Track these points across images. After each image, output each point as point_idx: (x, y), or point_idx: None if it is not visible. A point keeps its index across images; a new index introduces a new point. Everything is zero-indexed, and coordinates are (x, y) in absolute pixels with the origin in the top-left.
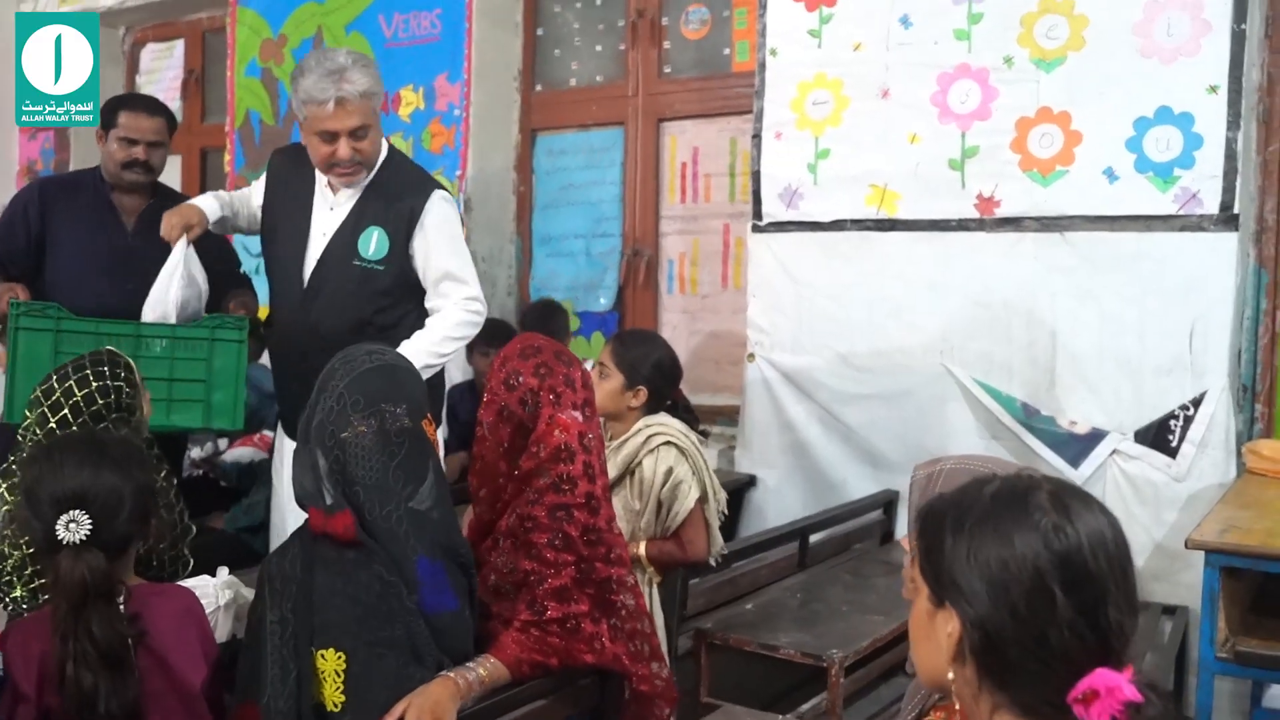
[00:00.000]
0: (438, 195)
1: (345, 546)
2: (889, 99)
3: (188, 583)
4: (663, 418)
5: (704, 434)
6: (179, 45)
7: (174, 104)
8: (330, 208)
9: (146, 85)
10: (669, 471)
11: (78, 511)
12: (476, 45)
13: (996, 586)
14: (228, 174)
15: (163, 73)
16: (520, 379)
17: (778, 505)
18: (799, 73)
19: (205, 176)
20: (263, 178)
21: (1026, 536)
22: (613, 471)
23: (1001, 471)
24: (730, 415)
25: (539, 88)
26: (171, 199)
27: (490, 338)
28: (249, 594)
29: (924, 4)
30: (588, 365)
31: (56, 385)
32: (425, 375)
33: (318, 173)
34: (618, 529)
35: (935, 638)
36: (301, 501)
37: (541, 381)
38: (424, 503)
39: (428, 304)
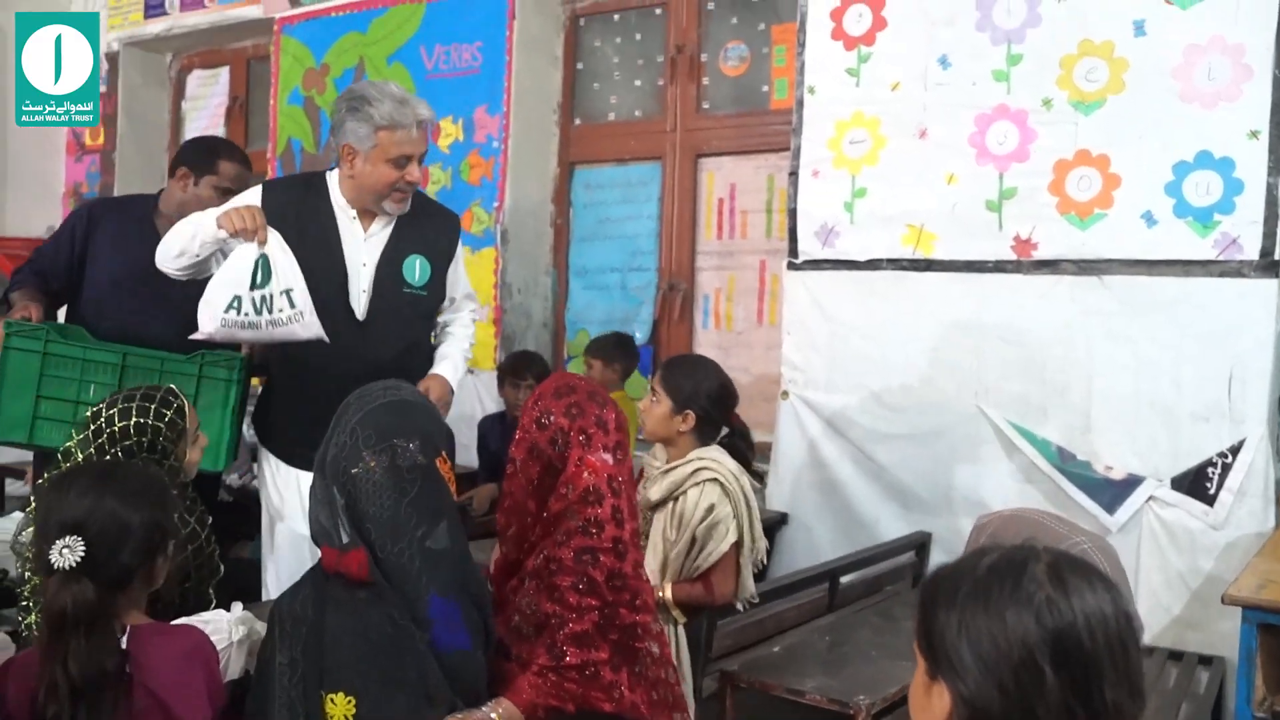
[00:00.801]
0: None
1: (357, 586)
2: (927, 139)
3: (203, 616)
4: (717, 453)
5: (758, 476)
6: (224, 72)
7: (217, 130)
8: (364, 238)
9: (191, 111)
10: (710, 509)
11: (73, 538)
12: (516, 77)
13: (986, 662)
14: None
15: (207, 99)
16: (551, 418)
17: (808, 543)
18: (837, 111)
19: None
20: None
21: (1018, 611)
22: (657, 494)
23: (1053, 528)
24: (763, 452)
25: (578, 121)
26: None
27: (521, 369)
28: (263, 629)
29: (963, 45)
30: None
31: (104, 411)
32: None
33: (338, 206)
34: (645, 574)
35: (931, 710)
36: (316, 539)
37: (572, 422)
38: (440, 542)
39: (441, 318)
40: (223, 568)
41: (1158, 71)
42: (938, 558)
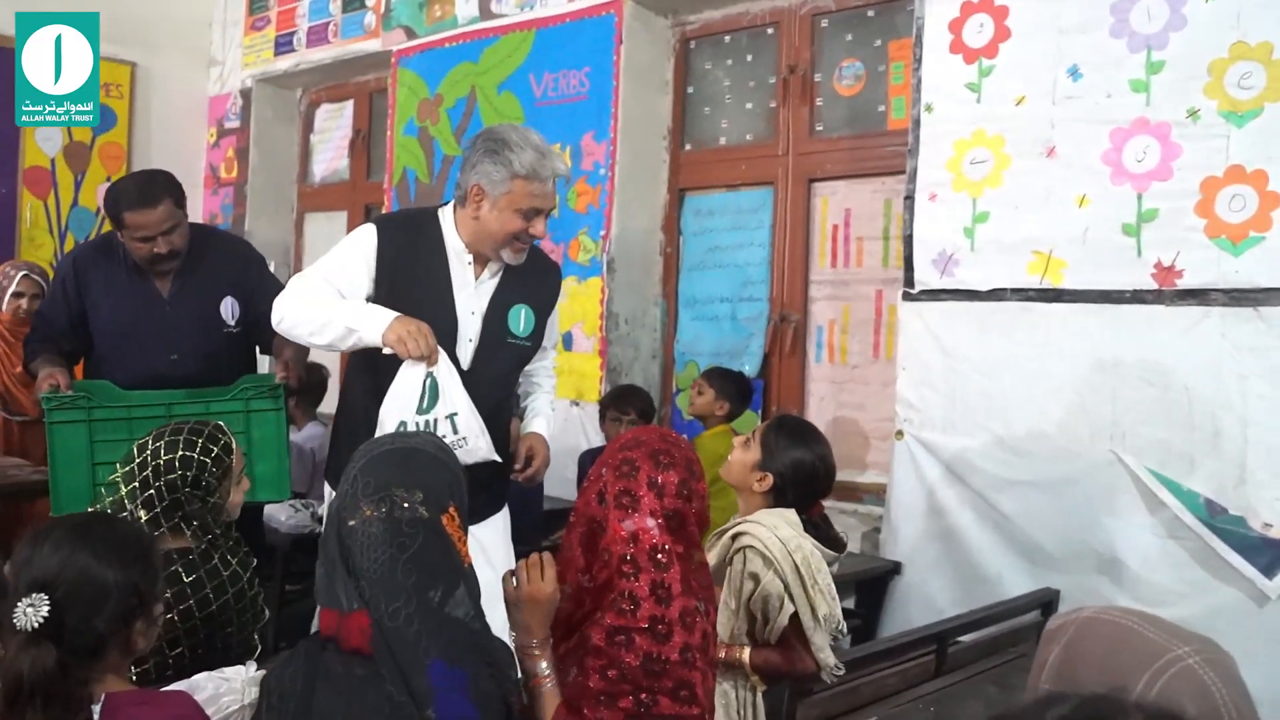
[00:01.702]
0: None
1: (354, 659)
2: (1055, 158)
3: (224, 673)
4: (775, 517)
5: (837, 547)
6: (348, 106)
7: (341, 162)
8: (475, 285)
9: (319, 144)
10: (755, 580)
11: (39, 596)
12: (623, 103)
13: None
14: None
15: (332, 132)
16: (604, 472)
17: (922, 597)
18: (956, 130)
19: None
20: (344, 257)
21: None
22: (713, 559)
23: (1147, 635)
24: (877, 494)
25: (688, 146)
26: (203, 253)
27: (624, 404)
28: None
29: (1095, 53)
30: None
31: (149, 443)
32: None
33: (452, 250)
34: (701, 661)
35: None
36: (319, 599)
37: (620, 480)
38: (459, 608)
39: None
40: (268, 612)
41: None
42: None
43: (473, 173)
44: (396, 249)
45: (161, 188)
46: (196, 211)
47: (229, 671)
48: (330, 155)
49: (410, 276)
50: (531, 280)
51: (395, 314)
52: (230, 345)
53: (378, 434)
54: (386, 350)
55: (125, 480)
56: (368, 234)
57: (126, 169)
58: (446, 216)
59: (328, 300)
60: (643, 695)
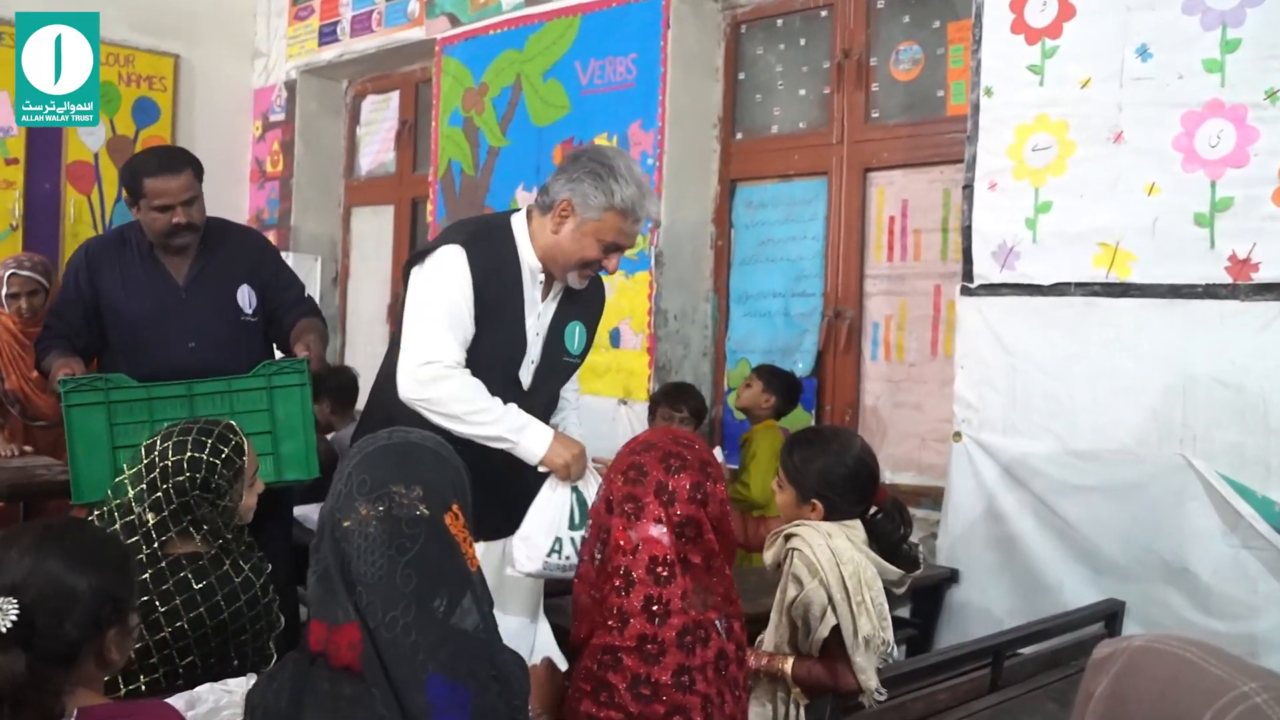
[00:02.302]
0: None
1: (342, 678)
2: (1122, 143)
3: (228, 684)
4: (829, 527)
5: (911, 549)
6: (394, 97)
7: (388, 155)
8: (540, 306)
9: (365, 136)
10: (798, 585)
11: (7, 600)
12: (671, 91)
13: None
14: (430, 224)
15: (379, 124)
16: (614, 475)
17: (980, 606)
18: (1017, 114)
19: (415, 227)
20: (451, 294)
21: None
22: (769, 559)
23: (1207, 669)
24: (934, 497)
25: (739, 135)
26: (220, 242)
27: (677, 400)
28: None
29: (1166, 32)
30: None
31: (158, 443)
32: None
33: (526, 269)
34: (705, 684)
35: None
36: (310, 610)
37: (628, 486)
38: (466, 619)
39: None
40: (284, 619)
41: None
42: (1131, 631)
43: (565, 188)
44: (485, 274)
45: (183, 157)
46: (242, 206)
47: (233, 683)
48: (377, 148)
49: (494, 300)
50: (585, 297)
51: (552, 433)
52: (247, 335)
53: (524, 551)
54: (542, 469)
55: (132, 482)
56: (459, 262)
57: None
58: (520, 226)
59: (481, 394)
60: None
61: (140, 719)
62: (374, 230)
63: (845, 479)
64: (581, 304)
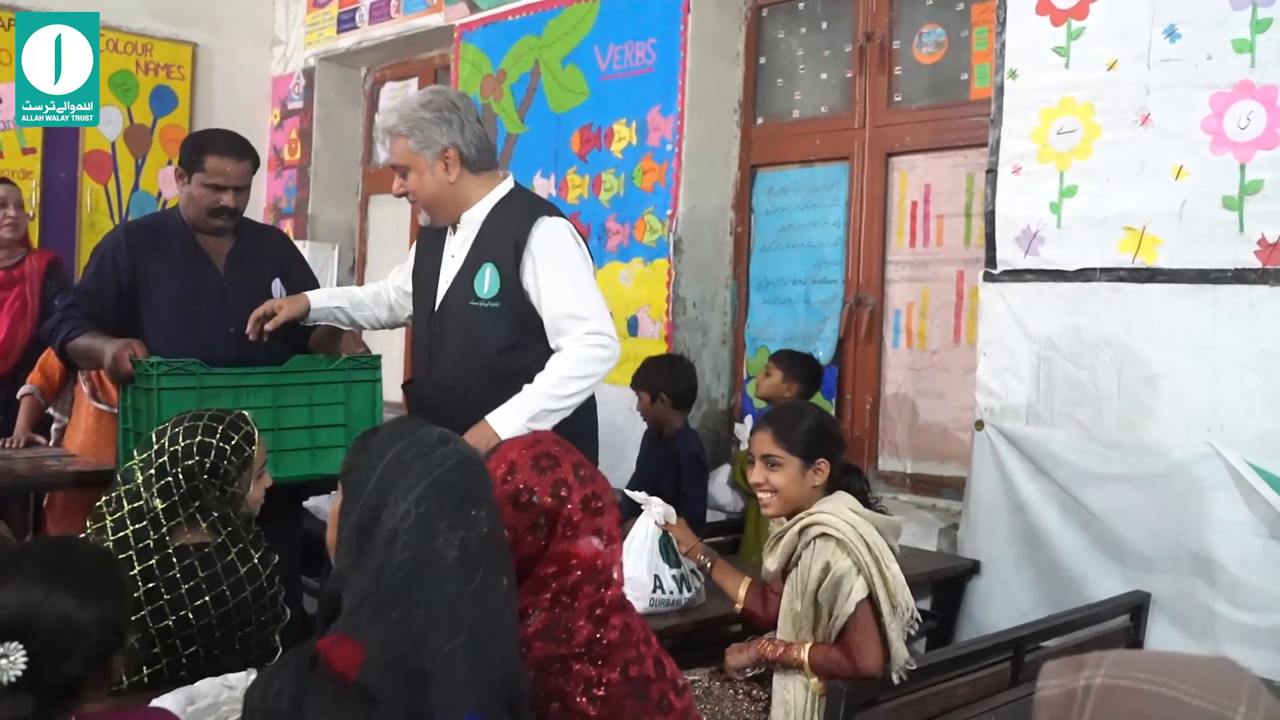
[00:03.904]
0: (545, 222)
1: (347, 687)
2: (1149, 126)
3: (229, 679)
4: (835, 502)
5: (876, 503)
6: (413, 84)
7: None
8: (452, 254)
9: None
10: (825, 567)
11: (13, 645)
12: (691, 76)
13: None
14: None
15: None
16: (535, 498)
17: (1003, 598)
18: (1042, 97)
19: None
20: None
21: None
22: (773, 564)
23: (1190, 703)
24: (956, 487)
25: (759, 120)
26: (254, 233)
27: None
28: None
29: (1195, 12)
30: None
31: (169, 429)
32: (550, 421)
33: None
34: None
35: None
36: (324, 613)
37: (559, 504)
38: (511, 648)
39: (552, 344)
40: (289, 612)
41: None
42: (1157, 624)
43: (441, 134)
44: (424, 236)
45: (249, 147)
46: (260, 195)
47: (233, 678)
48: None
49: (423, 256)
50: (499, 236)
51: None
52: (281, 325)
53: (631, 594)
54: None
55: (142, 467)
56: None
57: None
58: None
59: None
60: None
61: None
62: (392, 219)
63: (833, 426)
64: (492, 247)
